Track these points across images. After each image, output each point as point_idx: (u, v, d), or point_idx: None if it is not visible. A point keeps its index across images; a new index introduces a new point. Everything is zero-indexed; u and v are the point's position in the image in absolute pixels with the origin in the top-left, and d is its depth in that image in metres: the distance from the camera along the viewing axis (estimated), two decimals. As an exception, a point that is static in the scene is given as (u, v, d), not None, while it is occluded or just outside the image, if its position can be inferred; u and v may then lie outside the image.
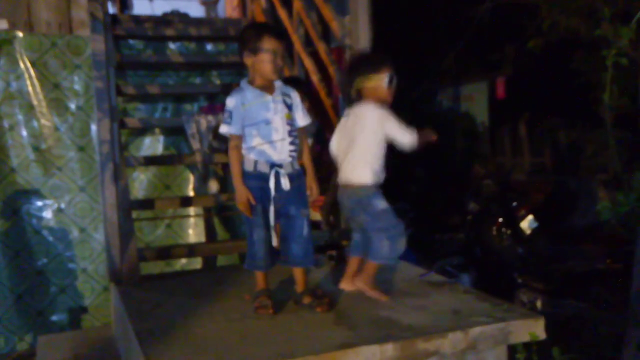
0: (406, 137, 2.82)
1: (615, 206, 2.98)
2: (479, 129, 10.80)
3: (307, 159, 2.81)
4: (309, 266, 2.83)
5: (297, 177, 2.73)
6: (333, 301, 2.77)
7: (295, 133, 2.72)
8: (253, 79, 2.69)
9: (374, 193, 2.87)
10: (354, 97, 2.95)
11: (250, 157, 2.67)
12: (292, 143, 2.69)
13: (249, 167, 2.68)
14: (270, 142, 2.64)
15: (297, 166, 2.74)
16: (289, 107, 2.71)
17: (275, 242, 2.71)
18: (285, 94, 2.72)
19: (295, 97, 2.76)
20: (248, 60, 2.67)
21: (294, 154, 2.71)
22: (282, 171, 2.66)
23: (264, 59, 2.62)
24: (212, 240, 4.60)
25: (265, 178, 2.65)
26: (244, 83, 2.70)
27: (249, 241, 2.73)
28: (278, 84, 2.72)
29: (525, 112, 9.49)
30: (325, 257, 3.62)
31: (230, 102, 2.65)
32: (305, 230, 2.71)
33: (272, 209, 2.67)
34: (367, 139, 2.87)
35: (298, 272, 2.79)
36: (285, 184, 2.66)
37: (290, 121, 2.70)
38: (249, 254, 2.76)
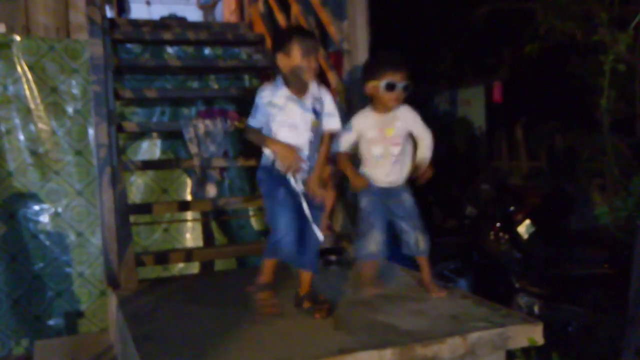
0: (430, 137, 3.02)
1: (613, 211, 2.99)
2: (476, 133, 10.82)
3: (319, 160, 2.78)
4: (316, 271, 2.82)
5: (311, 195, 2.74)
6: (332, 307, 2.77)
7: (317, 143, 2.73)
8: (286, 81, 2.70)
9: (362, 191, 3.04)
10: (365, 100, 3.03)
11: (270, 153, 2.70)
12: (309, 158, 2.71)
13: (267, 162, 2.71)
14: (297, 144, 2.67)
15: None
16: (317, 114, 2.72)
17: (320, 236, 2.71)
18: (316, 99, 2.72)
19: (328, 101, 2.76)
20: (281, 62, 2.68)
21: (311, 164, 2.72)
22: (297, 176, 2.68)
23: (296, 61, 2.63)
24: (210, 245, 4.59)
25: (283, 176, 2.67)
26: (279, 81, 2.71)
27: (274, 227, 2.68)
28: (313, 87, 2.73)
29: (522, 117, 9.50)
30: (323, 261, 3.61)
31: (260, 97, 2.69)
32: (320, 236, 2.72)
33: (304, 204, 2.67)
34: (400, 142, 3.00)
35: (306, 276, 2.78)
36: (298, 185, 2.67)
37: (316, 128, 2.72)
38: (271, 242, 2.73)
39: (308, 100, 2.70)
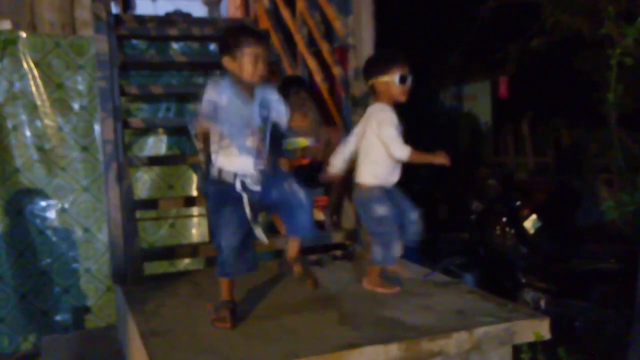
0: (397, 150, 2.79)
1: (620, 206, 2.98)
2: (482, 128, 10.79)
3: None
4: (312, 236, 2.79)
5: (270, 176, 2.65)
6: (327, 302, 2.77)
7: (266, 148, 2.63)
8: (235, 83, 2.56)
9: (376, 196, 2.86)
10: (369, 96, 2.97)
11: (217, 163, 2.59)
12: (257, 157, 2.59)
13: (213, 173, 2.60)
14: (241, 149, 2.54)
15: (266, 172, 2.64)
16: (265, 119, 2.61)
17: (260, 235, 2.62)
18: (263, 102, 2.61)
19: (274, 101, 2.66)
20: (229, 64, 2.53)
21: (260, 167, 2.61)
22: (248, 180, 2.57)
23: (244, 62, 2.49)
24: (216, 240, 4.59)
25: (230, 185, 2.57)
26: (227, 80, 2.56)
27: (219, 248, 2.60)
28: (258, 89, 2.60)
29: (528, 112, 9.47)
30: (329, 257, 3.62)
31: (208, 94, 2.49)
32: (303, 198, 2.63)
33: (247, 208, 2.55)
34: (369, 140, 2.88)
35: (296, 241, 2.76)
36: (254, 187, 2.59)
37: (263, 134, 2.62)
38: (219, 261, 2.64)
39: (256, 104, 2.58)
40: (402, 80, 2.83)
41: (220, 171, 2.58)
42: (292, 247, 2.77)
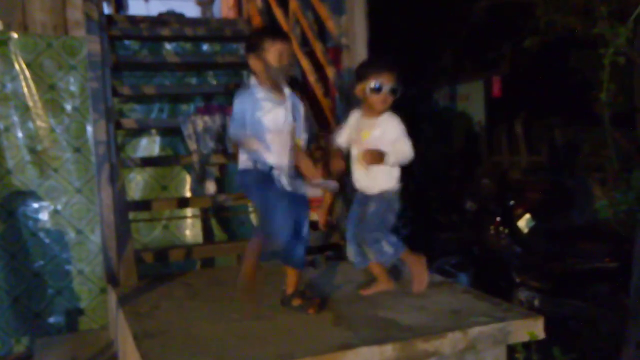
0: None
1: (613, 204, 2.98)
2: (476, 128, 10.80)
3: (302, 158, 2.79)
4: (303, 268, 2.81)
5: (296, 180, 2.73)
6: (324, 302, 2.77)
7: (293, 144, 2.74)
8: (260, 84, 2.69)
9: (396, 197, 2.93)
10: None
11: (248, 157, 2.67)
12: (288, 156, 2.70)
13: (247, 165, 2.68)
14: (276, 146, 2.65)
15: (295, 172, 2.75)
16: (295, 119, 2.74)
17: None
18: (294, 105, 2.74)
19: (301, 109, 2.78)
20: (254, 64, 2.66)
21: (292, 159, 2.73)
22: (281, 176, 2.66)
23: (269, 59, 2.61)
24: (210, 242, 4.58)
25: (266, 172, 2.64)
26: (252, 86, 2.69)
27: (271, 225, 2.61)
28: (287, 92, 2.73)
29: (522, 111, 9.49)
30: (322, 257, 3.61)
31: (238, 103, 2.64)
32: (307, 232, 2.72)
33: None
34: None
35: (293, 274, 2.77)
36: (286, 183, 2.65)
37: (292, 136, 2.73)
38: (264, 235, 2.66)
39: (288, 104, 2.71)
40: (375, 90, 2.81)
41: (255, 162, 2.65)
42: (290, 283, 2.78)
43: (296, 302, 2.73)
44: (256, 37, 2.70)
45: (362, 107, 2.95)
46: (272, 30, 2.81)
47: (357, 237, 2.93)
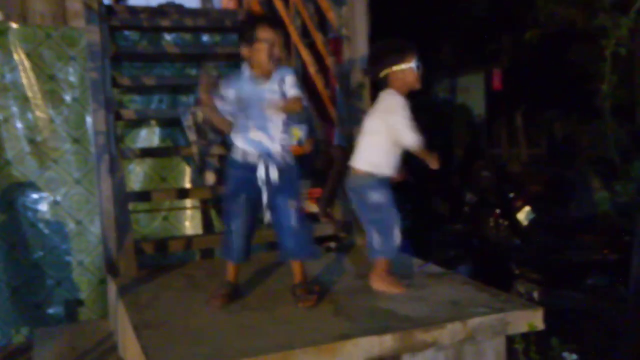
0: (407, 136, 2.74)
1: (613, 196, 2.98)
2: (476, 120, 10.79)
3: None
4: (303, 258, 2.78)
5: (287, 170, 2.72)
6: (323, 293, 2.76)
7: (288, 124, 2.73)
8: (251, 69, 2.72)
9: (373, 183, 2.83)
10: (381, 85, 2.89)
11: (239, 145, 2.70)
12: (284, 132, 2.71)
13: (237, 155, 2.71)
14: (264, 129, 2.66)
15: (288, 159, 2.74)
16: (285, 95, 2.70)
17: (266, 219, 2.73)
18: (281, 80, 2.70)
19: (290, 78, 2.72)
20: (245, 51, 2.69)
21: (285, 142, 2.73)
22: (271, 162, 2.66)
23: (259, 49, 2.63)
24: (210, 233, 4.58)
25: (252, 169, 2.65)
26: (243, 70, 2.73)
27: (226, 230, 2.75)
28: (275, 72, 2.71)
29: (522, 104, 9.48)
30: (322, 249, 3.61)
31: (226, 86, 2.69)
32: (294, 221, 2.69)
33: (265, 195, 2.66)
34: (373, 124, 2.86)
35: (294, 265, 2.78)
36: (274, 175, 2.65)
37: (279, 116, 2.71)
38: (224, 242, 2.78)
39: (274, 85, 2.69)
40: (418, 67, 2.84)
41: (244, 153, 2.68)
42: (295, 273, 2.78)
43: (299, 292, 2.73)
44: (247, 28, 2.71)
45: (396, 90, 2.85)
46: (262, 19, 2.79)
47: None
